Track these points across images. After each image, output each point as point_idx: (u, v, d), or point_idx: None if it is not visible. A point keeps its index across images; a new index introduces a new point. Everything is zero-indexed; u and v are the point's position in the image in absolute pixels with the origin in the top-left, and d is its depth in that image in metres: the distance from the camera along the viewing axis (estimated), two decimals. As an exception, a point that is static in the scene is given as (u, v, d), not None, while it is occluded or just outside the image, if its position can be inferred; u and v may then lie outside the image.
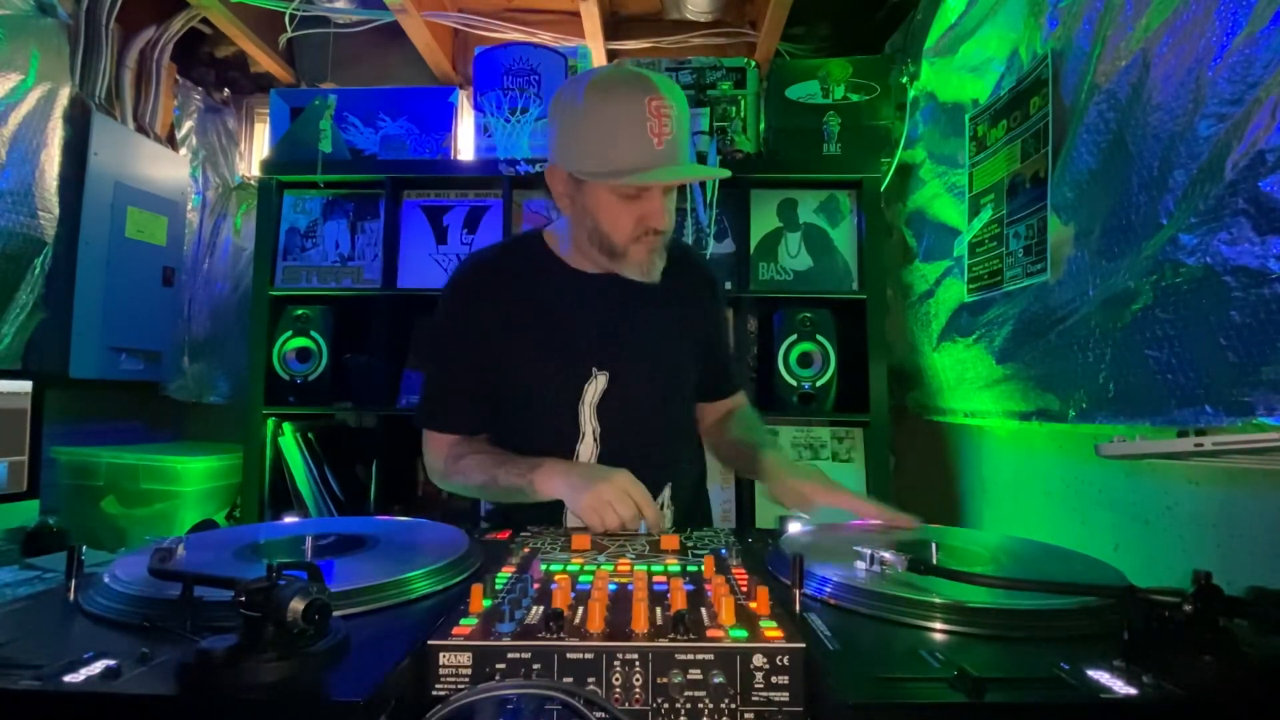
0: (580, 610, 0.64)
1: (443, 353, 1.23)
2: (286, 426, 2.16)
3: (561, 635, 0.59)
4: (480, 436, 1.23)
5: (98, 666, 0.52)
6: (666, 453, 1.22)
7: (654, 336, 1.21)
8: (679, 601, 0.65)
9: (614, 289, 1.17)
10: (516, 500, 1.13)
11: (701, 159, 2.09)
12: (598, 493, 0.99)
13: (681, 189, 2.09)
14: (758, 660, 0.57)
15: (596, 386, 1.17)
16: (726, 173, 1.17)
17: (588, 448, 1.17)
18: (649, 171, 1.03)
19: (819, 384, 2.07)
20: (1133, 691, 0.51)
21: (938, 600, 0.66)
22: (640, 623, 0.61)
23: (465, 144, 2.49)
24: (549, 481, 1.07)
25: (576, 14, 2.33)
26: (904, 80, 2.25)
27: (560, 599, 0.65)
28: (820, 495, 1.10)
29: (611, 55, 2.57)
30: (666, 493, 1.21)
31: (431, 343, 1.24)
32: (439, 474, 1.22)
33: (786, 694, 0.57)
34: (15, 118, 1.86)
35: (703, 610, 0.66)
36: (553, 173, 1.13)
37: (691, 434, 1.34)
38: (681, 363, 1.26)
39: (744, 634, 0.60)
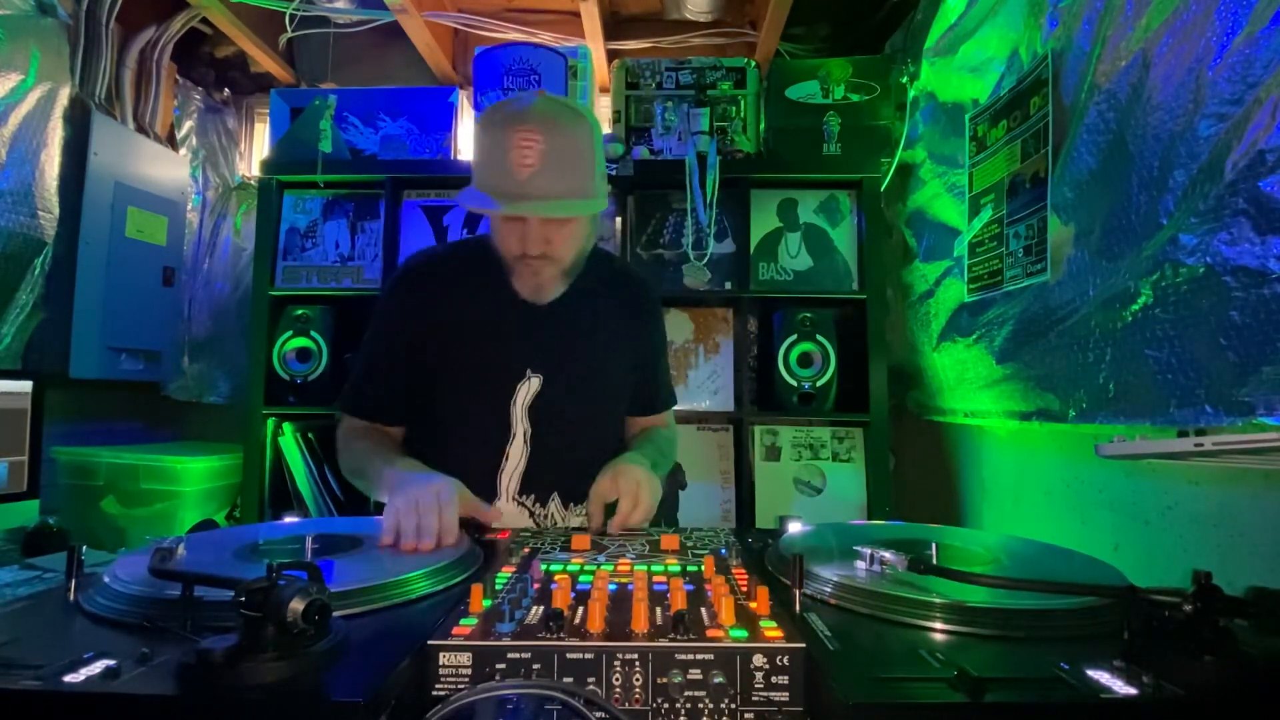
0: (580, 610, 0.64)
1: (374, 340, 1.25)
2: (286, 426, 2.16)
3: (561, 635, 0.59)
4: (388, 429, 1.24)
5: (98, 666, 0.52)
6: (596, 457, 1.22)
7: (590, 345, 1.24)
8: (679, 601, 0.65)
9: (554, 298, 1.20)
10: (377, 497, 1.13)
11: (702, 159, 2.09)
12: (393, 500, 0.94)
13: (681, 187, 2.09)
14: (758, 660, 0.57)
15: (530, 388, 1.19)
16: (603, 204, 1.15)
17: (517, 448, 1.20)
18: (504, 200, 1.05)
19: (819, 384, 2.07)
20: (1133, 691, 0.51)
21: (938, 600, 0.66)
22: (640, 623, 0.61)
23: (465, 144, 2.49)
24: (388, 477, 1.05)
25: (576, 14, 2.33)
26: (904, 80, 2.25)
27: (560, 599, 0.65)
28: (597, 486, 1.11)
29: (611, 55, 2.57)
30: (555, 501, 1.24)
31: (369, 328, 1.26)
32: (339, 453, 1.25)
33: (786, 694, 0.57)
34: (15, 118, 1.86)
35: (703, 610, 0.66)
36: None
37: (619, 441, 1.35)
38: (615, 373, 1.29)
39: (744, 634, 0.60)
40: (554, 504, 1.22)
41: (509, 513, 1.19)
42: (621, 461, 1.16)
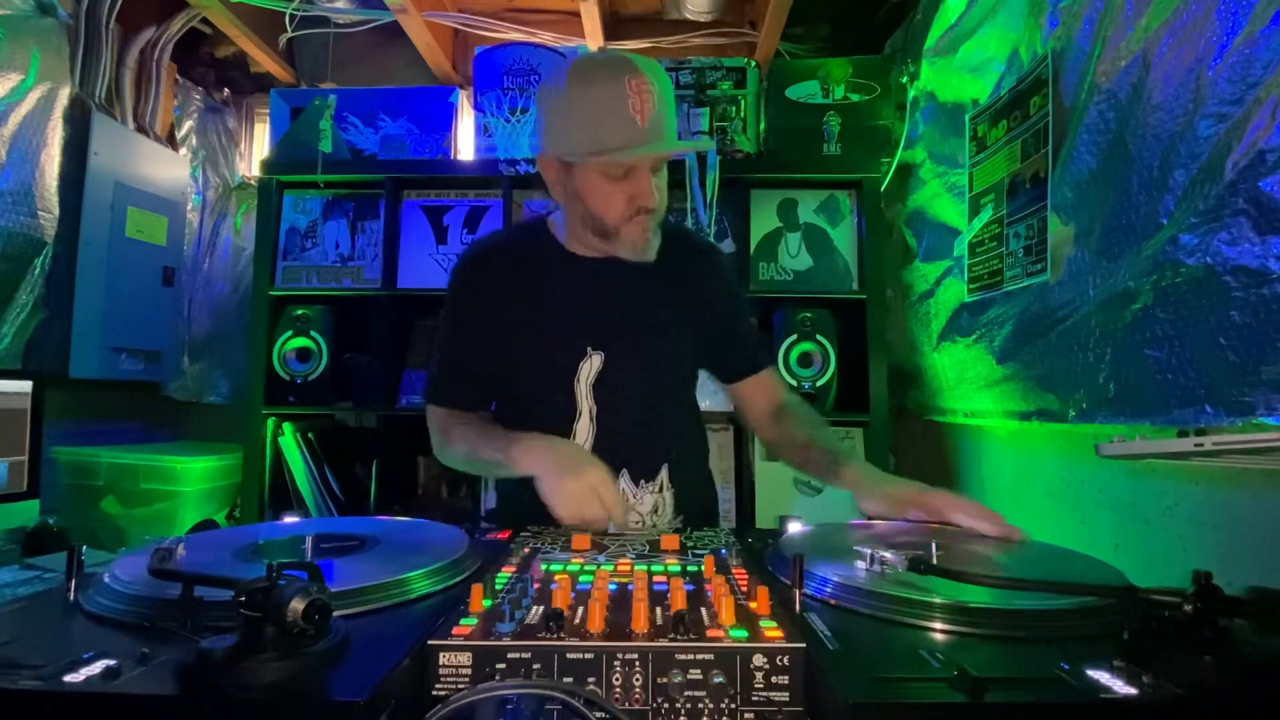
0: (580, 610, 0.64)
1: (449, 330, 1.25)
2: (286, 426, 2.16)
3: (561, 635, 0.59)
4: (477, 415, 1.25)
5: (98, 666, 0.52)
6: (663, 433, 1.23)
7: (649, 317, 1.23)
8: (679, 601, 0.65)
9: (610, 271, 1.20)
10: (500, 474, 1.15)
11: (702, 159, 2.09)
12: (566, 487, 1.00)
13: (681, 186, 2.09)
14: (758, 660, 0.57)
15: (591, 366, 1.19)
16: (711, 144, 1.19)
17: (584, 426, 1.19)
18: (633, 148, 1.05)
19: (819, 384, 2.07)
20: (1133, 691, 0.51)
21: (938, 600, 0.66)
22: (640, 623, 0.61)
23: (465, 144, 2.49)
24: (526, 457, 1.08)
25: (576, 14, 2.33)
26: (904, 80, 2.25)
27: (560, 599, 0.65)
28: (920, 501, 1.05)
29: (611, 55, 2.56)
30: (664, 473, 1.22)
31: (441, 320, 1.27)
32: (436, 447, 1.25)
33: (786, 694, 0.57)
34: (15, 118, 1.86)
35: (703, 610, 0.66)
36: (543, 161, 1.17)
37: (690, 414, 1.35)
38: (678, 343, 1.27)
39: (744, 634, 0.60)
40: (624, 480, 1.20)
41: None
42: (907, 486, 1.08)
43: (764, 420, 1.34)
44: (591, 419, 1.19)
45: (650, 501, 1.22)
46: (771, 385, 1.35)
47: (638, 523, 1.20)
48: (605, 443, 1.19)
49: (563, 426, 1.19)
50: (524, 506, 1.16)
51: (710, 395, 2.17)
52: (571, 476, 1.00)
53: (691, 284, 1.27)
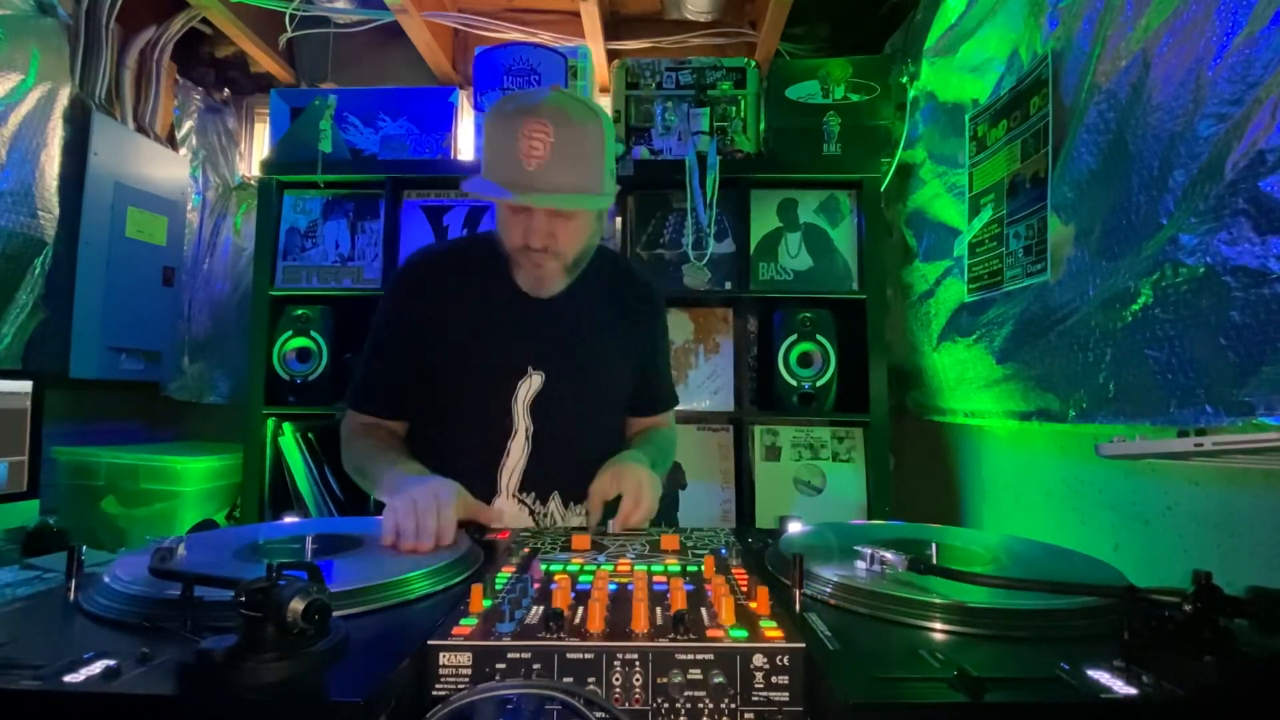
0: (580, 610, 0.64)
1: (378, 337, 1.26)
2: (286, 426, 2.16)
3: (561, 635, 0.59)
4: (393, 424, 1.26)
5: (98, 666, 0.52)
6: (596, 456, 1.22)
7: (592, 342, 1.25)
8: (679, 601, 0.65)
9: (557, 294, 1.21)
10: (380, 497, 1.11)
11: (702, 159, 2.09)
12: (391, 501, 0.94)
13: (681, 187, 2.09)
14: (758, 660, 0.57)
15: (531, 385, 1.20)
16: (599, 204, 1.15)
17: (519, 444, 1.20)
18: (512, 189, 1.07)
19: (819, 384, 2.07)
20: (1133, 691, 0.51)
21: (938, 600, 0.66)
22: (640, 623, 0.61)
23: (465, 144, 2.49)
24: (390, 479, 1.05)
25: (576, 14, 2.33)
26: (904, 80, 2.25)
27: (560, 599, 0.65)
28: (597, 484, 1.13)
29: (612, 55, 2.57)
30: (555, 500, 1.24)
31: (373, 324, 1.27)
32: (343, 450, 1.26)
33: (786, 694, 0.57)
34: (15, 118, 1.86)
35: (703, 610, 0.66)
36: None
37: (620, 440, 1.36)
38: (616, 372, 1.29)
39: (744, 634, 0.60)
40: (554, 502, 1.22)
41: (509, 509, 1.19)
42: (622, 460, 1.16)
43: (628, 437, 1.39)
44: (527, 438, 1.20)
45: (578, 525, 1.23)
46: (657, 420, 1.41)
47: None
48: (539, 463, 1.20)
49: (497, 443, 1.20)
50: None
51: (710, 395, 2.18)
52: (400, 492, 0.95)
53: (630, 319, 1.30)
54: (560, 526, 1.21)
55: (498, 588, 0.73)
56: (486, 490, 1.17)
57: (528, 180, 1.05)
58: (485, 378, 1.20)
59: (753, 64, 2.33)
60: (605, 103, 2.48)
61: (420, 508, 0.90)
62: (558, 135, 1.05)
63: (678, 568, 0.80)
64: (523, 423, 1.20)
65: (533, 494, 1.21)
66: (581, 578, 0.76)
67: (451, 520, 0.92)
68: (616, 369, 1.29)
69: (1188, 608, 0.55)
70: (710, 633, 0.60)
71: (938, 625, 0.64)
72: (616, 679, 0.57)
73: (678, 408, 1.46)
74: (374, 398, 1.25)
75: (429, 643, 0.58)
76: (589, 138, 1.10)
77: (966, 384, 1.83)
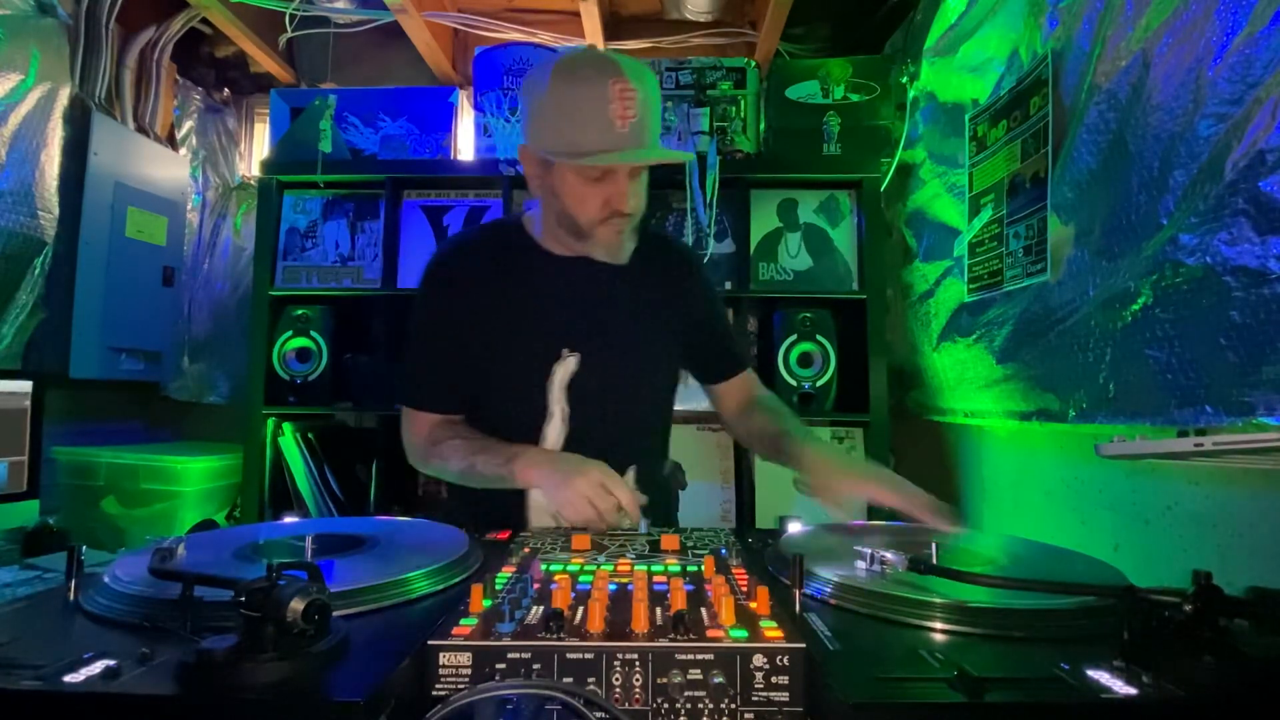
0: (580, 610, 0.64)
1: (423, 331, 1.24)
2: (286, 426, 2.16)
3: (561, 635, 0.59)
4: (459, 418, 1.23)
5: (98, 666, 0.52)
6: (635, 437, 1.22)
7: (626, 319, 1.22)
8: (679, 601, 0.65)
9: (586, 271, 1.19)
10: (495, 487, 1.13)
11: (702, 159, 2.09)
12: (574, 486, 1.00)
13: (680, 187, 2.09)
14: (758, 660, 0.57)
15: (566, 367, 1.18)
16: (690, 156, 1.17)
17: (555, 428, 1.18)
18: (610, 153, 1.04)
19: (819, 384, 2.07)
20: (1133, 691, 0.51)
21: (938, 600, 0.66)
22: (640, 623, 0.61)
23: (465, 144, 2.49)
24: (529, 471, 1.08)
25: (576, 14, 2.33)
26: (904, 80, 2.25)
27: (560, 599, 0.65)
28: (863, 489, 1.09)
29: (611, 55, 2.56)
30: (631, 476, 1.21)
31: (412, 321, 1.26)
32: (418, 455, 1.23)
33: (786, 694, 0.57)
34: (15, 118, 1.86)
35: (703, 610, 0.66)
36: (523, 152, 1.16)
37: (661, 420, 1.34)
38: (654, 347, 1.26)
39: (744, 634, 0.60)
40: None
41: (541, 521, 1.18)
42: (865, 466, 1.14)
43: (736, 415, 1.36)
44: (563, 421, 1.18)
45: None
46: (748, 384, 1.37)
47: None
48: (576, 445, 1.18)
49: (533, 427, 1.18)
50: (483, 502, 1.16)
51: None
52: (578, 475, 1.01)
53: (670, 288, 1.27)
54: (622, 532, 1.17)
55: (498, 588, 0.73)
56: (520, 492, 1.16)
57: (622, 140, 1.03)
58: (521, 363, 1.19)
59: (753, 64, 2.33)
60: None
61: (609, 483, 0.99)
62: (643, 93, 1.04)
63: (678, 568, 0.80)
64: (559, 406, 1.18)
65: None
66: (581, 578, 0.76)
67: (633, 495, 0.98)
68: (652, 342, 1.26)
69: (1188, 608, 0.55)
70: (710, 633, 0.60)
71: (938, 625, 0.64)
72: (616, 679, 0.57)
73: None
74: (435, 394, 1.22)
75: (429, 643, 0.58)
76: (656, 93, 1.09)
77: (966, 384, 1.83)
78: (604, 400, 1.19)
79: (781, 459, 1.26)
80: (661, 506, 1.29)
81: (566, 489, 1.01)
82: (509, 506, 1.15)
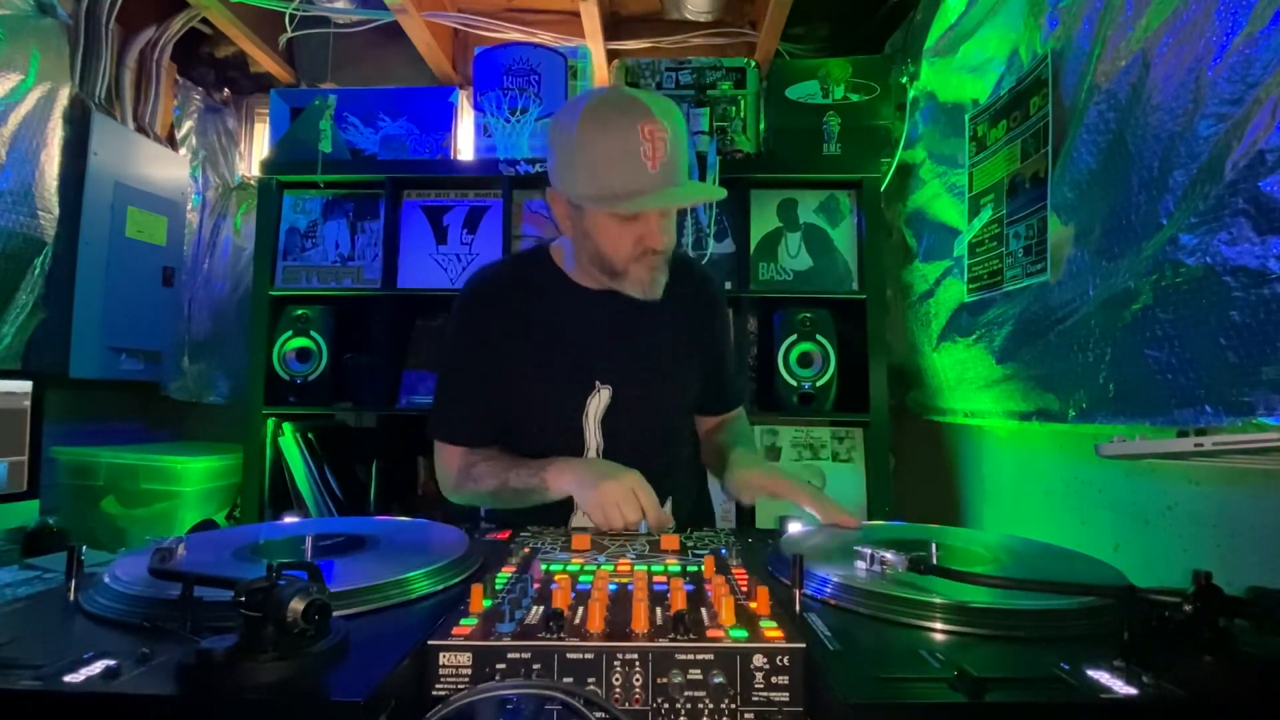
0: (580, 610, 0.64)
1: (454, 364, 1.24)
2: (286, 426, 2.16)
3: (561, 635, 0.59)
4: (490, 448, 1.23)
5: (98, 666, 0.52)
6: (669, 466, 1.22)
7: (657, 351, 1.23)
8: (679, 601, 0.65)
9: (617, 304, 1.18)
10: (530, 502, 1.13)
11: (701, 159, 2.09)
12: (604, 491, 1.01)
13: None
14: (758, 660, 0.57)
15: (600, 400, 1.18)
16: (723, 193, 1.17)
17: None
18: (643, 196, 1.04)
19: (819, 384, 2.07)
20: (1133, 691, 0.51)
21: (938, 600, 0.66)
22: (640, 623, 0.61)
23: (465, 144, 2.49)
24: (560, 478, 1.08)
25: (576, 14, 2.33)
26: (904, 80, 2.25)
27: (560, 599, 0.65)
28: (770, 485, 1.13)
29: (611, 55, 2.57)
30: (668, 507, 1.21)
31: (443, 354, 1.26)
32: (450, 486, 1.23)
33: (786, 694, 0.57)
34: (15, 118, 1.86)
35: (703, 610, 0.66)
36: (553, 196, 1.15)
37: (691, 444, 1.35)
38: (684, 377, 1.27)
39: (744, 634, 0.60)
40: None
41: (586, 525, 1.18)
42: (761, 465, 1.16)
43: (704, 432, 1.38)
44: (599, 454, 1.19)
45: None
46: (731, 416, 1.39)
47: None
48: None
49: None
50: (521, 512, 1.16)
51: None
52: (610, 479, 1.02)
53: (694, 313, 1.28)
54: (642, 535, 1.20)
55: (498, 588, 0.73)
56: (561, 510, 1.15)
57: (654, 182, 1.03)
58: (555, 397, 1.18)
59: (753, 64, 2.33)
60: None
61: (643, 496, 1.00)
62: (671, 131, 1.04)
63: (678, 568, 0.80)
64: (595, 439, 1.18)
65: None
66: (581, 578, 0.76)
67: (658, 505, 1.01)
68: (684, 371, 1.27)
69: (1188, 608, 0.54)
70: (710, 633, 0.60)
71: (938, 625, 0.64)
72: (616, 679, 0.57)
73: None
74: (466, 426, 1.22)
75: (429, 643, 0.58)
76: (685, 131, 1.09)
77: (966, 384, 1.83)
78: (637, 431, 1.20)
79: (712, 465, 1.30)
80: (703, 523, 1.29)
81: (595, 492, 1.01)
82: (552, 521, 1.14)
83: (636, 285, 1.14)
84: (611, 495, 1.00)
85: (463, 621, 0.62)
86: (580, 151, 1.06)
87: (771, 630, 0.60)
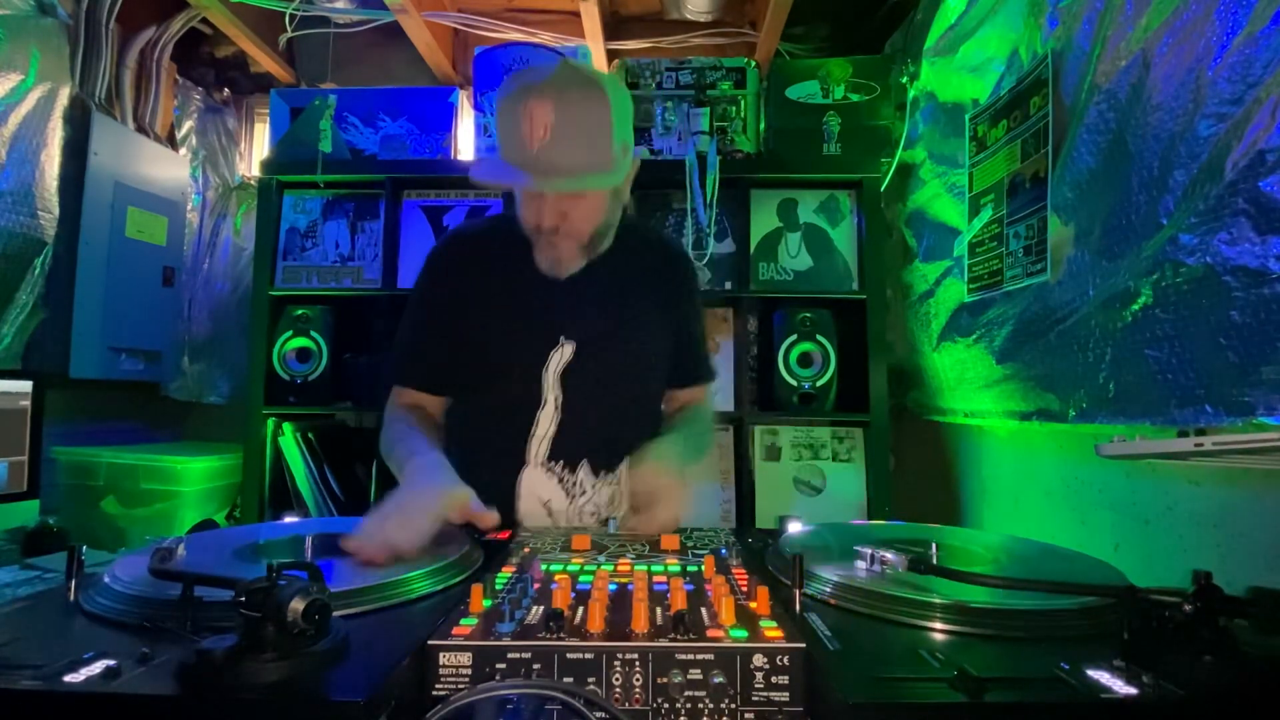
0: (580, 610, 0.64)
1: (412, 313, 1.28)
2: (286, 426, 2.16)
3: (561, 635, 0.59)
4: (433, 400, 1.26)
5: (98, 666, 0.52)
6: (627, 427, 1.23)
7: (624, 313, 1.24)
8: (679, 601, 0.65)
9: (588, 265, 1.20)
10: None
11: (702, 159, 2.09)
12: (367, 521, 0.88)
13: (681, 186, 2.09)
14: (758, 660, 0.57)
15: (563, 355, 1.19)
16: (610, 182, 1.12)
17: (548, 414, 1.20)
18: (522, 172, 1.04)
19: (819, 384, 2.07)
20: (1133, 691, 0.51)
21: (938, 600, 0.66)
22: (640, 623, 0.61)
23: (465, 144, 2.49)
24: (403, 478, 1.04)
25: (576, 14, 2.33)
26: (904, 80, 2.25)
27: (560, 599, 0.65)
28: (641, 492, 1.11)
29: (612, 55, 2.57)
30: (624, 467, 1.23)
31: (409, 302, 1.29)
32: (383, 432, 1.23)
33: (786, 694, 0.57)
34: (15, 118, 1.86)
35: (703, 610, 0.66)
36: None
37: (654, 411, 1.35)
38: (649, 343, 1.28)
39: (744, 634, 0.60)
40: (583, 471, 1.22)
41: (537, 478, 1.20)
42: (649, 463, 1.13)
43: (667, 414, 1.37)
44: (556, 408, 1.20)
45: (608, 494, 1.24)
46: (696, 394, 1.39)
47: (594, 514, 1.22)
48: (568, 432, 1.20)
49: (526, 414, 1.20)
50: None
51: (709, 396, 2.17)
52: (384, 508, 0.90)
53: (665, 287, 1.29)
54: (589, 495, 1.21)
55: (498, 588, 0.73)
56: (515, 462, 1.18)
57: (533, 161, 1.03)
58: (515, 351, 1.20)
59: (753, 64, 2.33)
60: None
61: (403, 515, 0.87)
62: (559, 113, 1.02)
63: (678, 568, 0.80)
64: (553, 393, 1.19)
65: (560, 462, 1.20)
66: (581, 578, 0.76)
67: (414, 535, 0.86)
68: (649, 339, 1.27)
69: (1188, 608, 0.55)
70: (710, 633, 0.60)
71: (938, 625, 0.64)
72: (616, 679, 0.57)
73: None
74: (415, 372, 1.26)
75: (429, 643, 0.58)
76: (593, 112, 1.06)
77: (966, 384, 1.83)
78: (598, 390, 1.21)
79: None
80: None
81: (372, 516, 0.90)
82: (500, 493, 1.15)
83: (542, 259, 1.17)
84: (365, 526, 0.86)
85: (463, 621, 0.62)
86: (496, 116, 1.11)
87: (771, 630, 0.60)
